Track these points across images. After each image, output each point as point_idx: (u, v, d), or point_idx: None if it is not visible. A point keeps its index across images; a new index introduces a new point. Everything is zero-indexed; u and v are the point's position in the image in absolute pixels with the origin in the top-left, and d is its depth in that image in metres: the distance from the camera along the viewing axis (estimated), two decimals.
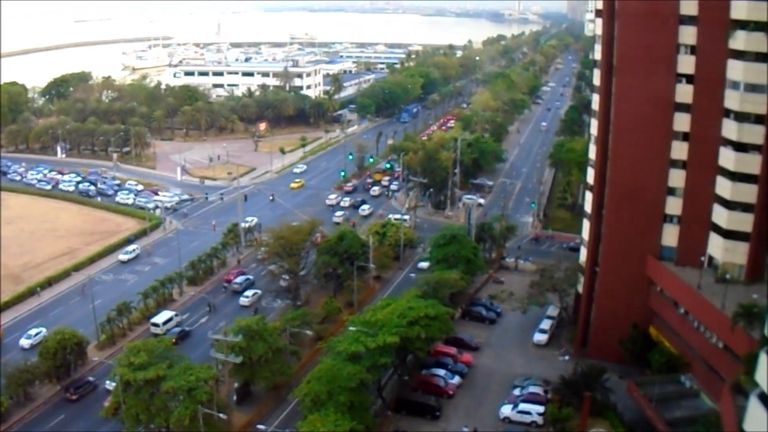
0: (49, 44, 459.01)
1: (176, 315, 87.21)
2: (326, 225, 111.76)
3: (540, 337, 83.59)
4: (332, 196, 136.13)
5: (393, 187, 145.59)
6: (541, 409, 67.75)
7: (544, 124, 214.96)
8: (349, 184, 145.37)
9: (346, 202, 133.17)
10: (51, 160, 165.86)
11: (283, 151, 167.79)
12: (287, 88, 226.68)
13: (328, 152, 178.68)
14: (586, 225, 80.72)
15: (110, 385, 69.34)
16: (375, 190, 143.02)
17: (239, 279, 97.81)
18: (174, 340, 77.82)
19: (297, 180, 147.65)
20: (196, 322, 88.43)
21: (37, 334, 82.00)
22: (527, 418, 67.65)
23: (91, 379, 75.05)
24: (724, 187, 66.96)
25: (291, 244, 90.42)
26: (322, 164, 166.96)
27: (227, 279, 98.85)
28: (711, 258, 69.40)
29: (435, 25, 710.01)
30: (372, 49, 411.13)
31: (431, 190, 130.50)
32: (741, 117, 64.80)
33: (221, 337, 66.29)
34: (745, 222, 66.06)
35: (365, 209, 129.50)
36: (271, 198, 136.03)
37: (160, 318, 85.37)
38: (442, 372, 74.89)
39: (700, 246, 69.58)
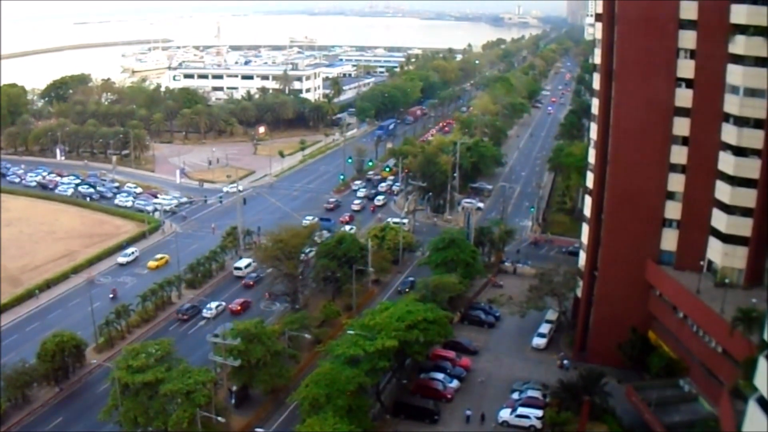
0: (49, 46, 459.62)
1: (253, 262, 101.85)
2: (347, 210, 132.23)
3: (539, 341, 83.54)
4: (357, 182, 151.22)
5: (394, 188, 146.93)
6: (539, 413, 67.63)
7: (550, 109, 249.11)
8: (371, 172, 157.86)
9: (363, 192, 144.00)
10: (50, 162, 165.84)
11: (282, 155, 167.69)
12: (287, 92, 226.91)
13: (328, 155, 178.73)
14: (585, 229, 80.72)
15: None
16: (383, 186, 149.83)
17: None
18: (252, 283, 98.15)
19: (159, 256, 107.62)
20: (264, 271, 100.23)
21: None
22: (526, 422, 67.56)
23: (196, 304, 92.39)
24: (723, 191, 67.00)
25: (290, 248, 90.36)
26: (321, 167, 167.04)
27: None
28: (710, 262, 69.43)
29: (434, 29, 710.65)
30: (371, 53, 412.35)
31: (430, 193, 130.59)
32: (740, 121, 64.90)
33: (220, 340, 66.22)
34: (744, 226, 66.11)
35: (380, 199, 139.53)
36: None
37: (242, 263, 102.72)
38: (440, 376, 74.79)
39: (700, 250, 69.61)
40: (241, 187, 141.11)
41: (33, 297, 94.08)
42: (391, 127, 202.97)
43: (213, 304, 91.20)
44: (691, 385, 66.57)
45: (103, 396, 69.46)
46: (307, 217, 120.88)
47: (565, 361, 78.26)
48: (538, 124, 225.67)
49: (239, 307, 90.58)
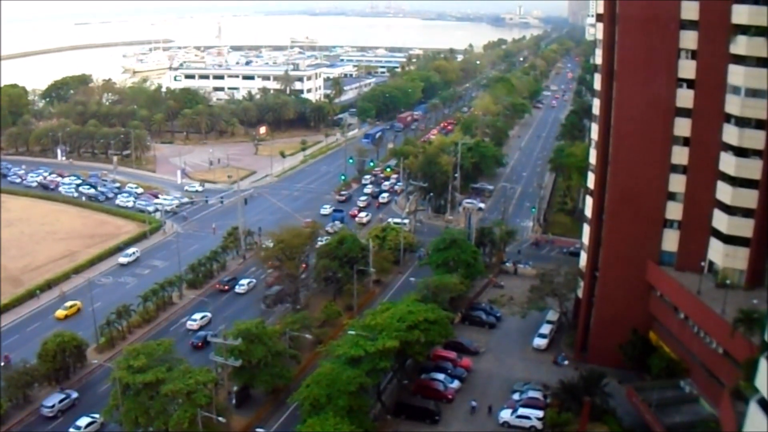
0: (50, 47, 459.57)
1: None
2: (353, 205, 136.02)
3: (539, 342, 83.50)
4: (367, 177, 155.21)
5: (396, 187, 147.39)
6: (540, 413, 67.64)
7: (554, 102, 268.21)
8: (377, 168, 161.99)
9: (369, 189, 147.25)
10: (51, 163, 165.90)
11: (283, 155, 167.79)
12: (288, 92, 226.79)
13: (328, 156, 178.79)
14: (586, 229, 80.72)
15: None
16: (386, 184, 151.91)
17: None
18: (279, 263, 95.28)
19: (69, 304, 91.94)
20: None
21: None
22: (526, 423, 67.55)
23: (235, 276, 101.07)
24: (724, 192, 66.97)
25: (291, 248, 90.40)
26: (323, 168, 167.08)
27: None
28: (711, 263, 69.40)
29: (435, 29, 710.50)
30: (372, 53, 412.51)
31: (431, 194, 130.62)
32: (742, 122, 64.88)
33: (221, 340, 66.24)
34: (745, 227, 66.08)
35: (384, 197, 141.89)
36: None
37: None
38: (441, 376, 74.80)
39: (701, 251, 69.60)
40: (200, 188, 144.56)
41: (34, 297, 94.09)
42: (378, 134, 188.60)
43: (245, 281, 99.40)
44: (691, 386, 66.53)
45: (104, 396, 69.44)
46: (324, 206, 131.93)
47: (565, 362, 78.25)
48: (540, 124, 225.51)
49: (273, 279, 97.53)
